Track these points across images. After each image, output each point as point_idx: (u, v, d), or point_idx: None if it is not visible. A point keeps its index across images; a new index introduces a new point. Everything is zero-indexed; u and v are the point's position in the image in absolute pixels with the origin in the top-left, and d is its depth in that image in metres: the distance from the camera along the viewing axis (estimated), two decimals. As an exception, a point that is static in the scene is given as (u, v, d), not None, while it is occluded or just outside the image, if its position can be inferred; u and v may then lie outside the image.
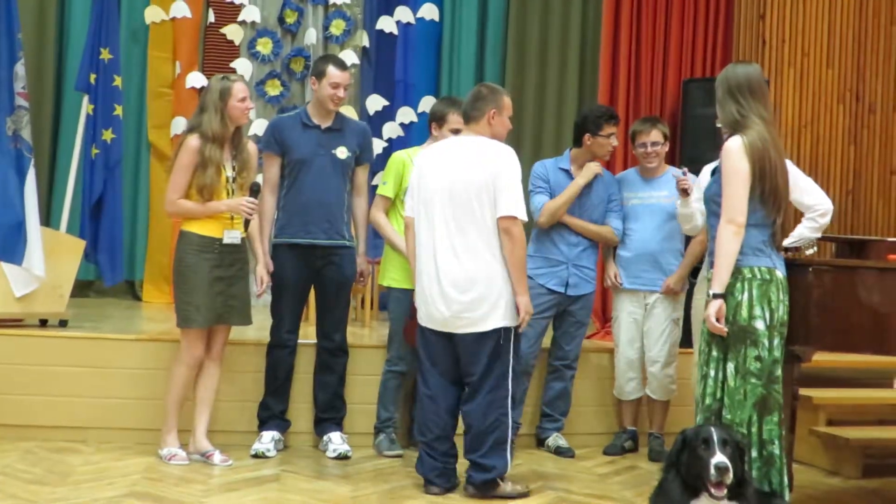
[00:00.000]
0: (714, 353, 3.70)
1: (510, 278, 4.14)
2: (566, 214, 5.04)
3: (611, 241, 5.17)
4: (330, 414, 4.96)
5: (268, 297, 4.99)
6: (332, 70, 4.84)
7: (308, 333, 5.08)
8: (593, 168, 5.06)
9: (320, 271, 4.87)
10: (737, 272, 3.61)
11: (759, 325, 3.59)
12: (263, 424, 4.89)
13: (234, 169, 4.59)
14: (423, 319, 4.30)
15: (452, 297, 4.14)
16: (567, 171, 5.12)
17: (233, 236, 4.56)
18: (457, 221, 4.16)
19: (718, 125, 3.84)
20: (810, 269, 3.83)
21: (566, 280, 5.06)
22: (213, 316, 4.53)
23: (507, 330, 4.16)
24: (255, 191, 4.61)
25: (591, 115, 5.14)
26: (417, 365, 4.48)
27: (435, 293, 4.19)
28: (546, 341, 5.22)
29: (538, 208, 5.04)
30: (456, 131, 4.93)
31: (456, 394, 4.32)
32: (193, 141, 4.49)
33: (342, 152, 4.89)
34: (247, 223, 4.58)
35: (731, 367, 3.64)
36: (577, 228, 5.06)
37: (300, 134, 4.86)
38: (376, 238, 7.39)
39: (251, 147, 4.74)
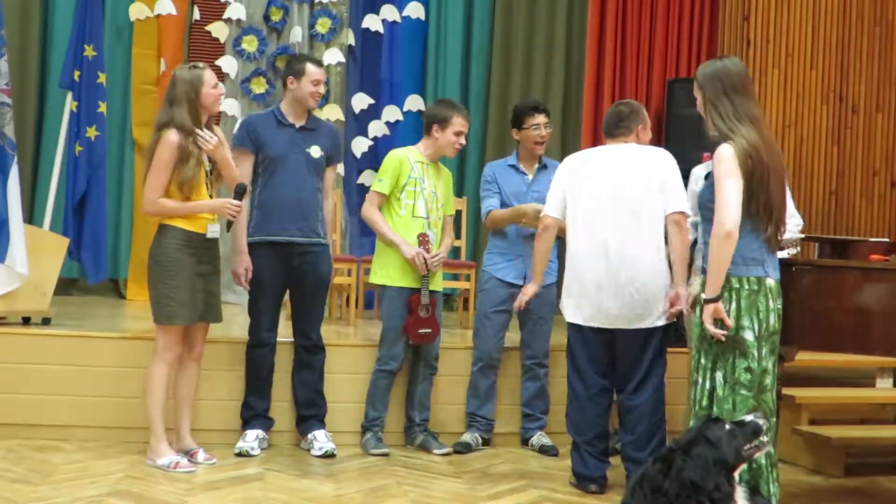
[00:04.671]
0: (703, 360, 3.66)
1: (670, 273, 4.30)
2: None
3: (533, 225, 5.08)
4: (312, 411, 4.95)
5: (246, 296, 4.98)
6: (311, 68, 4.85)
7: (284, 332, 5.06)
8: (536, 209, 4.84)
9: (296, 269, 4.85)
10: (725, 281, 3.54)
11: (748, 335, 3.54)
12: (247, 423, 4.88)
13: (210, 161, 4.48)
14: (584, 318, 4.36)
15: (630, 294, 4.25)
16: (514, 167, 5.20)
17: (214, 230, 4.48)
18: (627, 221, 4.28)
19: (710, 130, 3.74)
20: (794, 269, 3.85)
21: (524, 272, 5.08)
22: (196, 313, 4.46)
23: (666, 327, 4.33)
24: (239, 192, 4.50)
25: (515, 109, 5.28)
26: (570, 366, 4.51)
27: (607, 291, 4.27)
28: (515, 340, 5.26)
29: (485, 213, 5.11)
30: (459, 134, 4.97)
31: (610, 393, 4.47)
32: (173, 136, 4.32)
33: (316, 151, 4.89)
34: (229, 224, 4.53)
35: (719, 375, 3.60)
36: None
37: (274, 132, 4.84)
38: (362, 236, 7.44)
39: (220, 133, 4.57)
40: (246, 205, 4.72)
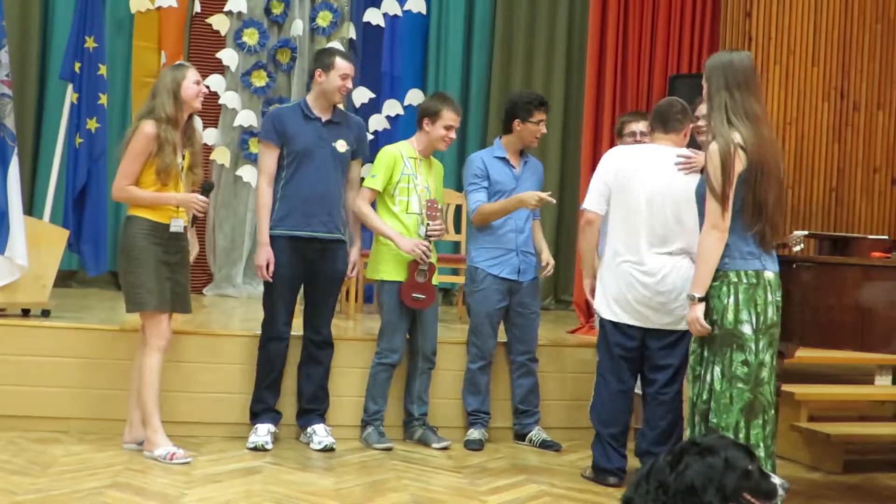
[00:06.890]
0: (705, 353, 3.68)
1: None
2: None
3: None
4: (315, 405, 4.95)
5: (251, 290, 4.96)
6: (340, 62, 4.84)
7: (294, 326, 5.06)
8: (537, 196, 4.86)
9: (314, 264, 4.86)
10: (724, 276, 3.58)
11: (746, 329, 3.56)
12: (256, 417, 4.86)
13: (184, 157, 4.52)
14: (622, 316, 4.40)
15: (668, 296, 4.29)
16: (503, 159, 5.15)
17: (178, 225, 4.50)
18: (670, 224, 4.30)
19: (699, 116, 3.73)
20: (794, 266, 3.85)
21: (518, 267, 5.09)
22: (165, 301, 4.46)
23: None
24: (206, 190, 4.54)
25: (520, 100, 5.13)
26: (604, 361, 4.55)
27: (646, 291, 4.32)
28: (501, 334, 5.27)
29: (473, 209, 5.06)
30: (449, 128, 4.96)
31: (634, 389, 4.56)
32: (149, 127, 4.39)
33: (342, 146, 4.88)
34: (194, 219, 4.54)
35: (717, 370, 3.62)
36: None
37: (301, 125, 4.83)
38: (363, 231, 7.43)
39: (199, 138, 4.63)
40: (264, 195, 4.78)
